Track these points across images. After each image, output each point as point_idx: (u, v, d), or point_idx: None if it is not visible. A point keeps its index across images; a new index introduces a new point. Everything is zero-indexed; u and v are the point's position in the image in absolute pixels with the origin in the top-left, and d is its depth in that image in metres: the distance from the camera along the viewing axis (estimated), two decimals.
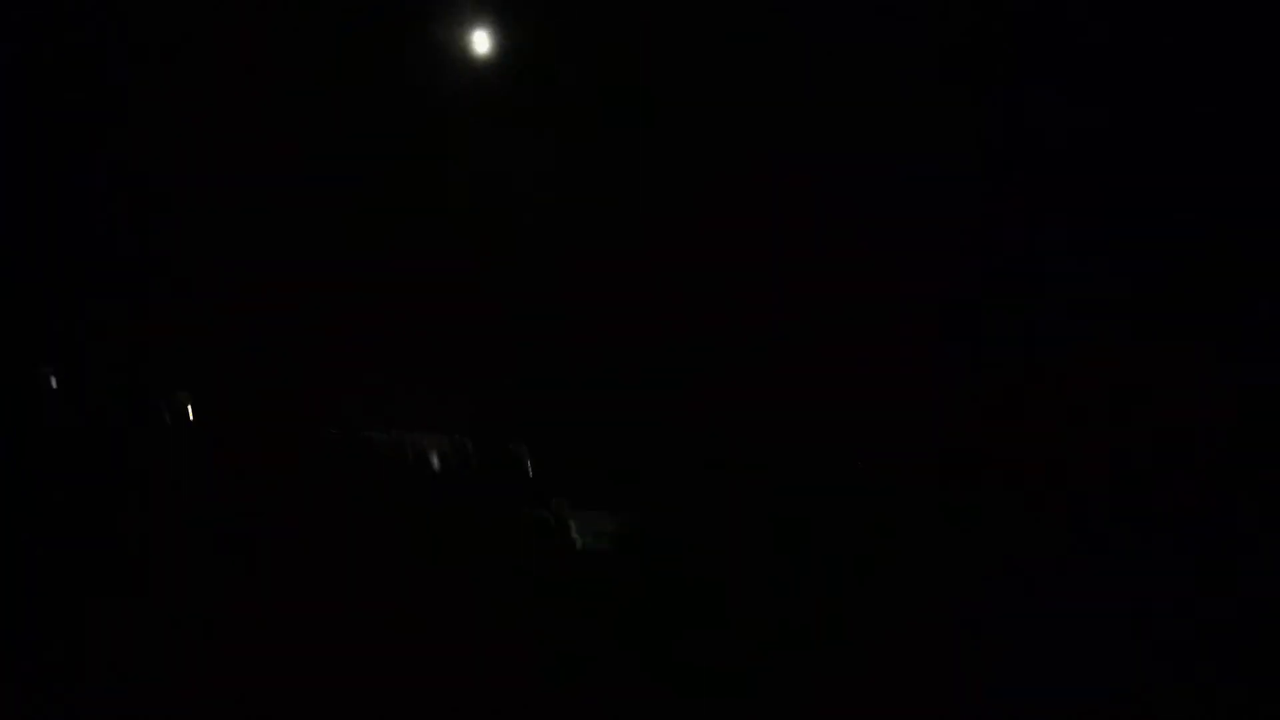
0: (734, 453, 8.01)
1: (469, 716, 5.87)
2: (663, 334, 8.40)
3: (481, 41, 8.62)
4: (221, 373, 7.51)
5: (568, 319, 8.54)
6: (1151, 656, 6.55)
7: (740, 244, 8.34)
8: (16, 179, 7.98)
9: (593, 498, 7.43)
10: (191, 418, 7.07)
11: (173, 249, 8.31)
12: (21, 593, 5.68)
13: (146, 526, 6.16)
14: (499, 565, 6.65)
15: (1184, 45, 7.52)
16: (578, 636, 6.42)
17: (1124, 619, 6.75)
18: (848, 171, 8.24)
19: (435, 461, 7.47)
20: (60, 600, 5.76)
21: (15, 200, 7.96)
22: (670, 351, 8.41)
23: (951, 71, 8.10)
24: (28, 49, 7.83)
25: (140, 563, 6.00)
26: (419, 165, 8.63)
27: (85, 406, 6.87)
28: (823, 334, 8.30)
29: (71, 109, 8.17)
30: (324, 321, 8.17)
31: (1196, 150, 7.53)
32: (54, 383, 6.88)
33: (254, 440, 6.87)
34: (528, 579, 6.65)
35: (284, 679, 5.61)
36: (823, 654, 7.09)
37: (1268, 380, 7.36)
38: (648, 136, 8.51)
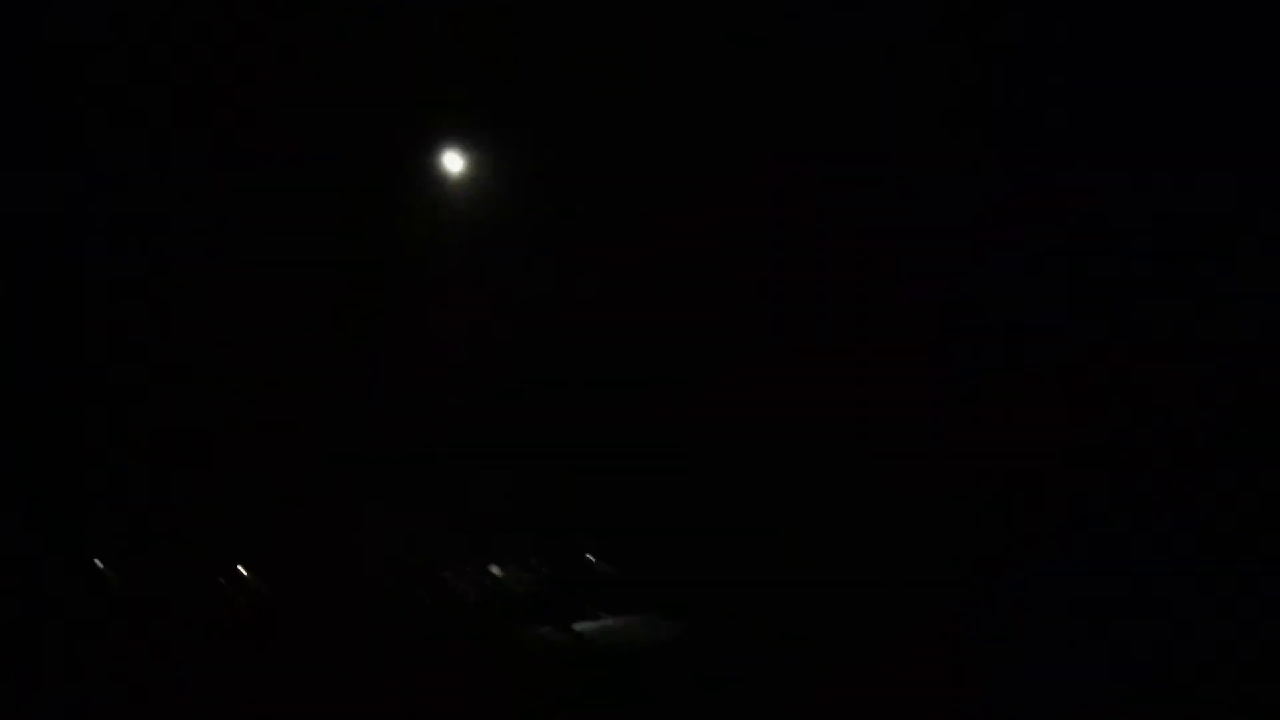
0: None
1: None
2: None
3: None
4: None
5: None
6: (1149, 656, 6.58)
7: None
8: None
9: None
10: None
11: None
12: None
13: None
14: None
15: (1182, 46, 7.52)
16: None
17: (1122, 618, 6.78)
18: (847, 173, 8.27)
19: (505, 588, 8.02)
20: None
21: None
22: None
23: (951, 72, 8.12)
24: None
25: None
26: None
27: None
28: (822, 338, 8.35)
29: None
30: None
31: (1196, 150, 7.53)
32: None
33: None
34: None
35: None
36: (822, 654, 7.13)
37: (1266, 380, 7.37)
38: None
